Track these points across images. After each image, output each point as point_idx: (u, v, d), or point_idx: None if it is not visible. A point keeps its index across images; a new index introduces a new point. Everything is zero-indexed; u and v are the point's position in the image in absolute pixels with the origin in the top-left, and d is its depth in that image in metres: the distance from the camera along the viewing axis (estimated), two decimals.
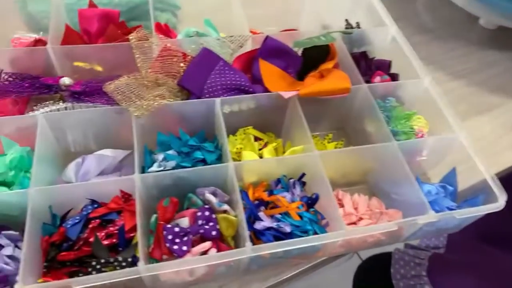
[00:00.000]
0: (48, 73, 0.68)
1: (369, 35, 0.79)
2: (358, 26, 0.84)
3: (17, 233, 0.51)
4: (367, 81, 0.72)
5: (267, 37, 0.71)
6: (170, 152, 0.61)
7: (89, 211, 0.52)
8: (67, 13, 0.78)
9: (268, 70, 0.68)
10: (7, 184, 0.55)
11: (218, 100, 0.62)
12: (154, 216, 0.55)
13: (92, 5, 0.75)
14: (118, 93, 0.60)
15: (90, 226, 0.50)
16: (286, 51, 0.72)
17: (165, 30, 0.80)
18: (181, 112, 0.63)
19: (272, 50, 0.71)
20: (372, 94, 0.68)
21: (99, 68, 0.71)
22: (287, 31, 0.87)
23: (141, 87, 0.62)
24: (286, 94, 0.63)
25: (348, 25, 0.87)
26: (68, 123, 0.60)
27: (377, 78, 0.74)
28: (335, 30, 0.76)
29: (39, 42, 0.69)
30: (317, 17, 0.89)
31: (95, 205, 0.53)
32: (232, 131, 0.66)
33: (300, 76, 0.72)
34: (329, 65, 0.72)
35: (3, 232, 0.50)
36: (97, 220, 0.51)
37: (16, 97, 0.60)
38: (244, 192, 0.55)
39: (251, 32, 0.77)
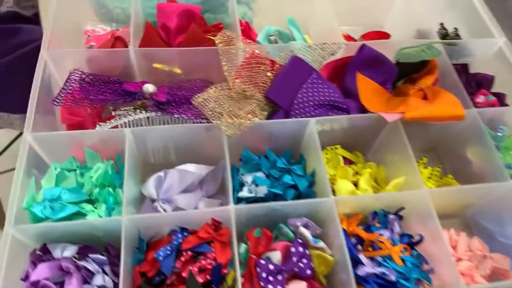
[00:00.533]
0: (126, 73, 0.64)
1: (472, 46, 0.70)
2: (456, 33, 0.75)
3: (104, 257, 0.48)
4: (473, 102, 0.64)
5: (363, 46, 0.63)
6: (259, 174, 0.56)
7: (180, 240, 0.48)
8: (143, 5, 0.73)
9: (365, 85, 0.62)
10: (92, 201, 0.52)
11: (313, 121, 0.57)
12: (244, 246, 0.51)
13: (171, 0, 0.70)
14: (207, 108, 0.55)
15: (183, 259, 0.47)
16: (382, 61, 0.64)
17: (246, 29, 0.73)
18: (270, 130, 0.58)
19: (367, 60, 0.64)
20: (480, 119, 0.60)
21: (178, 71, 0.66)
22: (377, 34, 0.79)
23: (230, 100, 0.57)
24: (390, 117, 0.57)
25: (443, 30, 0.78)
26: (153, 138, 0.56)
27: (481, 98, 0.66)
28: (437, 40, 0.67)
29: (118, 40, 0.64)
30: (406, 16, 0.81)
31: (185, 233, 0.49)
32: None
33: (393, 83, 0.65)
34: (429, 80, 0.65)
35: (90, 255, 0.48)
36: (189, 253, 0.47)
37: (99, 105, 0.56)
38: (345, 232, 0.51)
39: (343, 35, 0.70)
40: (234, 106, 0.56)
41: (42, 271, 0.45)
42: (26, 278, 0.46)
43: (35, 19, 1.14)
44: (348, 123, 0.59)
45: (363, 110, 0.61)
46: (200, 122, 0.55)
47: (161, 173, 0.57)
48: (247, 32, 0.74)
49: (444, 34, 0.75)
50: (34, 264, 0.47)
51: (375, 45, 0.65)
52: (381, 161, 0.64)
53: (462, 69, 0.69)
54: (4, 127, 1.13)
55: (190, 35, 0.65)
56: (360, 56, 0.64)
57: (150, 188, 0.56)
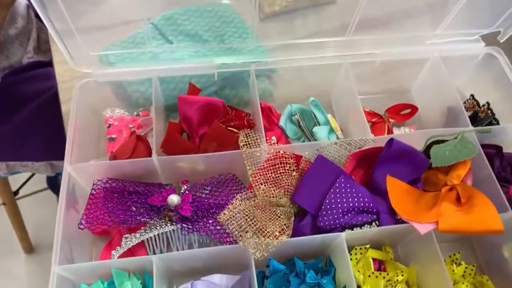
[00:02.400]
0: (148, 175, 0.63)
1: (508, 130, 0.67)
2: (488, 108, 0.72)
3: None
4: (506, 194, 0.61)
5: (392, 141, 0.61)
6: None
7: None
8: (162, 88, 0.72)
9: (395, 188, 0.59)
10: None
11: (343, 236, 0.55)
12: None
13: (192, 88, 0.68)
14: (235, 226, 0.53)
15: None
16: (411, 153, 0.62)
17: (267, 112, 0.72)
18: (298, 243, 0.56)
19: (396, 154, 0.62)
20: None
21: (200, 167, 0.65)
22: (403, 106, 0.76)
23: (256, 211, 0.56)
24: (423, 229, 0.55)
25: (473, 101, 0.75)
26: (181, 259, 0.55)
27: None
28: (470, 129, 0.64)
29: (139, 142, 0.63)
30: (434, 81, 0.77)
31: None
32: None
33: None
34: (461, 171, 0.62)
35: None
36: None
37: (125, 226, 0.56)
38: None
39: (367, 112, 0.68)
40: (261, 220, 0.55)
41: None
42: None
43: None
44: (379, 231, 0.58)
45: (393, 211, 0.59)
46: (227, 242, 0.54)
47: (188, 285, 0.57)
48: (269, 114, 0.72)
49: (475, 111, 0.71)
50: None
51: (404, 137, 0.63)
52: (411, 256, 0.62)
53: (496, 153, 0.66)
54: (19, 171, 1.16)
55: (213, 130, 0.64)
56: (388, 152, 0.61)
57: None
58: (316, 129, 0.69)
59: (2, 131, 1.01)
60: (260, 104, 0.68)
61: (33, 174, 1.72)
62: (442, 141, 0.63)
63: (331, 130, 0.70)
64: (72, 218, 0.57)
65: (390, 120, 0.75)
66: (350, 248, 0.60)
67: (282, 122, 0.71)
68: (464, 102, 0.75)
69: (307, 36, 0.73)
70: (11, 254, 1.76)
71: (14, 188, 1.59)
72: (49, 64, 1.10)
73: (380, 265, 0.61)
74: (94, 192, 0.58)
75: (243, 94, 0.77)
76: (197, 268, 0.59)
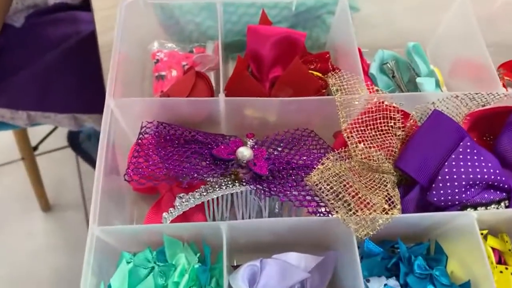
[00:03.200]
0: (208, 122, 0.50)
1: None
2: None
3: None
4: None
5: None
6: (392, 283, 0.42)
7: None
8: (223, 24, 0.57)
9: None
10: None
11: (473, 215, 0.41)
12: None
13: (264, 19, 0.54)
14: (328, 192, 0.40)
15: None
16: None
17: None
18: (407, 222, 0.43)
19: None
20: None
21: (272, 118, 0.51)
22: None
23: (354, 176, 0.42)
24: None
25: None
26: (254, 229, 0.42)
27: None
28: None
29: (198, 79, 0.50)
30: None
31: None
32: None
33: None
34: None
35: None
36: None
37: (186, 182, 0.43)
38: None
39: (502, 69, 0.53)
40: (361, 187, 0.42)
41: None
42: None
43: (84, 7, 1.05)
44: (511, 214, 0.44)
45: None
46: (316, 212, 0.41)
47: (256, 263, 0.44)
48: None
49: None
50: None
51: None
52: None
53: None
54: (41, 123, 1.09)
55: (291, 72, 0.50)
56: None
57: (239, 283, 0.43)
58: (420, 80, 0.54)
59: (24, 77, 0.92)
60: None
61: (53, 129, 1.66)
62: None
63: (438, 84, 0.55)
64: (110, 170, 0.44)
65: (505, 78, 0.60)
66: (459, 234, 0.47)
67: (373, 69, 0.57)
68: None
69: None
70: (28, 211, 1.73)
71: (33, 143, 1.52)
72: (76, 7, 1.02)
73: (500, 258, 0.48)
74: (143, 138, 0.45)
75: (319, 35, 0.62)
76: (265, 242, 0.46)
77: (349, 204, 0.40)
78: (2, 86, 0.93)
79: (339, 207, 0.40)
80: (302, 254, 0.45)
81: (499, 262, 0.47)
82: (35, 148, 1.51)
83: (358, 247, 0.45)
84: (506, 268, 0.45)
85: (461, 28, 0.56)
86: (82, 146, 1.66)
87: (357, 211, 0.39)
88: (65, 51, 0.93)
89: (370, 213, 0.39)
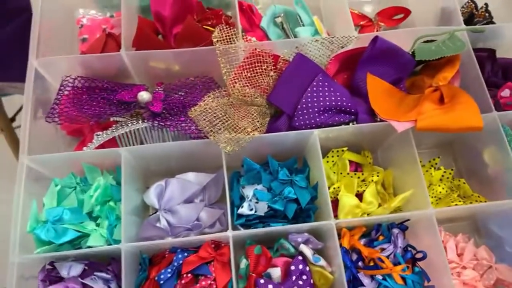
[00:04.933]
0: (121, 73, 0.61)
1: (504, 31, 0.62)
2: (486, 9, 0.66)
3: (109, 275, 0.50)
4: (494, 97, 0.58)
5: (376, 38, 0.57)
6: (260, 188, 0.55)
7: (180, 261, 0.49)
8: None
9: (376, 87, 0.57)
10: (95, 218, 0.53)
11: (316, 133, 0.53)
12: (245, 262, 0.52)
13: None
14: (205, 122, 0.52)
15: (183, 281, 0.48)
16: (397, 53, 0.59)
17: (248, 12, 0.67)
18: (272, 140, 0.55)
19: (381, 53, 0.58)
20: (500, 122, 0.55)
21: (176, 68, 0.62)
22: (395, 10, 0.71)
23: (229, 109, 0.54)
24: (400, 127, 0.53)
25: (471, 4, 0.69)
26: (150, 153, 0.54)
27: (506, 92, 0.60)
28: (462, 27, 0.60)
29: (109, 39, 0.60)
30: None
31: (185, 254, 0.50)
32: (323, 151, 0.58)
33: None
34: (448, 73, 0.59)
35: (96, 273, 0.50)
36: (190, 276, 0.48)
37: (95, 121, 0.55)
38: (344, 251, 0.50)
39: (351, 12, 0.63)
40: (234, 117, 0.53)
41: None
42: None
43: None
44: (355, 130, 0.56)
45: (372, 112, 0.57)
46: (198, 137, 0.53)
47: (162, 183, 0.57)
48: (249, 15, 0.67)
49: (470, 13, 0.66)
50: (44, 281, 0.49)
51: (390, 35, 0.59)
52: (390, 161, 0.62)
53: (488, 56, 0.62)
54: (10, 93, 1.16)
55: (186, 28, 0.60)
56: (372, 50, 0.58)
57: (151, 197, 0.56)
58: (299, 29, 0.65)
59: None
60: (241, 3, 0.64)
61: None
62: (431, 41, 0.59)
63: (316, 32, 0.66)
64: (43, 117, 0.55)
65: (380, 24, 0.70)
66: (327, 151, 0.59)
67: (264, 23, 0.67)
68: (462, 7, 0.69)
69: None
70: (13, 180, 1.80)
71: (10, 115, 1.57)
72: None
73: (356, 168, 0.60)
74: (63, 89, 0.56)
75: None
76: (173, 168, 0.59)
77: (220, 129, 0.52)
78: None
79: (212, 131, 0.52)
80: (199, 173, 0.58)
81: (355, 171, 0.60)
82: (12, 119, 1.58)
83: (242, 165, 0.58)
84: (355, 173, 0.58)
85: None
86: None
87: (225, 133, 0.51)
88: (14, 27, 0.98)
89: (236, 134, 0.51)
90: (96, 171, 0.55)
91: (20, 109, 1.67)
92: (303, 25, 0.67)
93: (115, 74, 0.61)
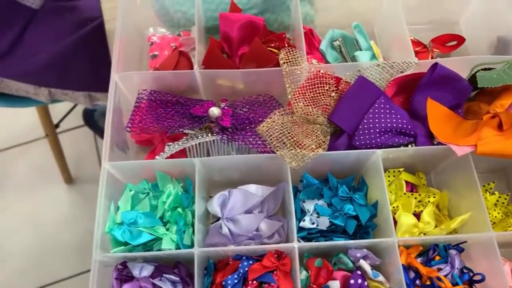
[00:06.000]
0: (191, 88, 0.65)
1: None
2: None
3: (177, 277, 0.53)
4: None
5: (436, 65, 0.60)
6: (321, 203, 0.57)
7: (246, 268, 0.52)
8: (204, 8, 0.71)
9: (435, 111, 0.59)
10: (164, 223, 0.56)
11: (379, 153, 0.56)
12: (305, 273, 0.54)
13: (234, 7, 0.68)
14: (272, 138, 0.55)
15: None
16: (455, 80, 0.61)
17: (309, 35, 0.71)
18: (333, 158, 0.58)
19: (439, 79, 0.60)
20: None
21: (240, 86, 0.66)
22: (449, 37, 0.73)
23: (294, 126, 0.57)
24: (460, 151, 0.55)
25: None
26: (219, 165, 0.58)
27: None
28: None
29: (182, 57, 0.65)
30: (486, 13, 0.73)
31: (250, 261, 0.53)
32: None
33: None
34: (506, 100, 0.60)
35: (165, 275, 0.53)
36: (255, 283, 0.51)
37: (171, 133, 0.59)
38: (404, 269, 0.52)
39: (411, 41, 0.66)
40: (298, 134, 0.57)
41: None
42: None
43: None
44: (414, 152, 0.58)
45: (431, 135, 0.59)
46: (264, 151, 0.57)
47: (225, 192, 0.60)
48: (310, 38, 0.71)
49: None
50: (118, 280, 0.53)
51: (447, 62, 0.61)
52: (444, 183, 0.63)
53: None
54: (60, 99, 1.21)
55: (253, 49, 0.64)
56: (432, 76, 0.60)
57: (215, 206, 0.60)
58: (358, 53, 0.68)
59: (45, 58, 1.04)
60: (303, 27, 0.67)
61: (73, 108, 1.80)
62: (489, 69, 0.61)
63: (373, 56, 0.69)
64: (118, 128, 0.60)
65: (435, 50, 0.73)
66: (384, 170, 0.61)
67: (323, 46, 0.71)
68: None
69: None
70: (53, 183, 1.88)
71: (55, 122, 1.67)
72: None
73: (412, 189, 0.62)
74: (139, 101, 0.61)
75: (284, 19, 0.76)
76: (234, 179, 0.62)
77: (286, 145, 0.55)
78: (26, 65, 1.03)
79: (279, 146, 0.55)
80: (260, 185, 0.61)
81: (411, 191, 0.62)
82: (57, 125, 1.68)
83: (301, 181, 0.61)
84: (412, 194, 0.60)
85: (392, 12, 0.69)
86: (98, 123, 1.79)
87: (291, 149, 0.55)
88: (81, 35, 1.03)
89: (301, 151, 0.54)
90: (167, 179, 0.59)
91: (65, 116, 1.75)
92: (361, 49, 0.70)
93: (185, 89, 0.65)
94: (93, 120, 1.81)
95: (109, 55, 0.87)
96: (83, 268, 1.67)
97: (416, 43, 0.72)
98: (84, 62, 1.08)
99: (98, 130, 1.89)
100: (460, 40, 0.73)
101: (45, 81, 1.09)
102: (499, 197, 0.61)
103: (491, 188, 0.62)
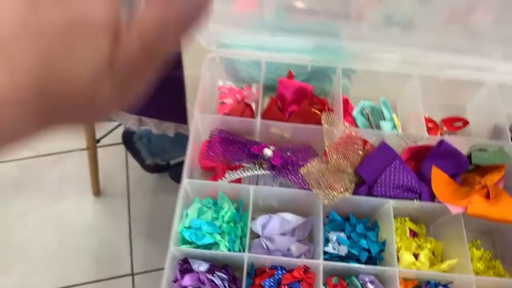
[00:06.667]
0: (250, 131, 0.84)
1: None
2: None
3: (225, 276, 0.69)
4: None
5: (442, 141, 0.77)
6: (342, 235, 0.74)
7: (280, 276, 0.68)
8: (265, 74, 0.92)
9: (438, 177, 0.76)
10: (221, 234, 0.73)
11: (391, 202, 0.73)
12: None
13: (289, 74, 0.88)
14: (310, 178, 0.73)
15: None
16: (456, 155, 0.78)
17: (344, 103, 0.90)
18: (356, 202, 0.75)
19: (444, 152, 0.78)
20: None
21: (287, 135, 0.85)
22: (456, 120, 0.91)
23: (328, 172, 0.75)
24: (454, 210, 0.71)
25: None
26: (265, 194, 0.75)
27: None
28: (509, 145, 0.79)
29: (247, 108, 0.84)
30: (489, 104, 0.92)
31: (283, 271, 0.69)
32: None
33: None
34: (495, 177, 0.77)
35: (216, 272, 0.69)
36: (286, 287, 0.67)
37: (231, 162, 0.77)
38: None
39: (425, 118, 0.84)
40: (331, 179, 0.74)
41: (188, 280, 0.66)
42: (175, 280, 0.68)
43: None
44: (419, 206, 0.74)
45: (433, 195, 0.76)
46: (303, 188, 0.74)
47: (267, 216, 0.77)
48: (345, 105, 0.90)
49: None
50: (180, 271, 0.69)
51: (452, 139, 0.79)
52: (440, 235, 0.79)
53: None
54: (113, 119, 1.38)
55: (301, 109, 0.83)
56: (438, 149, 0.78)
57: (257, 226, 0.76)
58: (382, 122, 0.86)
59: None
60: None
61: (117, 126, 1.98)
62: (484, 150, 0.79)
63: (394, 126, 0.87)
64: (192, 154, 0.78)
65: (444, 128, 0.91)
66: (393, 217, 0.78)
67: (355, 113, 0.89)
68: None
69: (387, 49, 0.90)
70: (82, 193, 2.03)
71: (97, 137, 1.83)
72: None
73: (414, 235, 0.78)
74: (211, 136, 0.80)
75: (325, 86, 0.96)
76: (274, 207, 0.79)
77: (321, 186, 0.72)
78: None
79: (315, 186, 0.72)
80: (294, 215, 0.78)
81: (413, 236, 0.78)
82: (98, 141, 1.86)
83: (327, 216, 0.77)
84: (413, 238, 0.75)
85: (412, 93, 0.88)
86: (135, 145, 1.96)
87: (325, 190, 0.72)
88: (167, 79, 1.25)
89: (332, 192, 0.72)
90: (225, 198, 0.76)
91: (107, 134, 1.93)
92: (384, 119, 0.89)
93: (244, 133, 0.84)
94: (131, 141, 1.98)
95: (181, 95, 1.07)
96: (97, 277, 1.79)
97: (429, 120, 0.90)
98: (173, 99, 1.26)
99: (133, 151, 2.03)
100: (465, 122, 0.91)
101: (134, 110, 1.26)
102: (484, 252, 0.77)
103: (478, 244, 0.78)
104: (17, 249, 1.88)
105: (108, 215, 2.03)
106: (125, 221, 1.91)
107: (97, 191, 2.10)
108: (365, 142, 0.79)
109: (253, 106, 0.90)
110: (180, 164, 2.25)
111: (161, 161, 2.05)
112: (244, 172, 0.77)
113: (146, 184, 2.09)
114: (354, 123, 0.90)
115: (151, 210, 2.10)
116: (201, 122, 0.81)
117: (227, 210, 0.74)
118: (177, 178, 2.07)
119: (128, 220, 1.95)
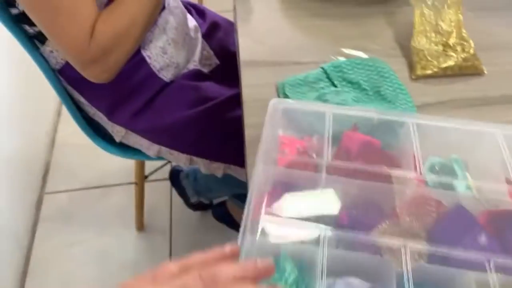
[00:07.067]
0: (312, 187, 0.81)
1: None
2: None
3: None
4: None
5: None
6: None
7: None
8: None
9: None
10: None
11: (472, 276, 0.66)
12: None
13: (354, 128, 0.86)
14: (382, 241, 0.68)
15: None
16: None
17: (413, 158, 0.85)
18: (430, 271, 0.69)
19: None
20: None
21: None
22: None
23: (400, 235, 0.70)
24: None
25: None
26: (332, 256, 0.71)
27: None
28: None
29: (310, 160, 0.82)
30: None
31: None
32: None
33: None
34: None
35: None
36: None
37: None
38: None
39: (506, 179, 0.78)
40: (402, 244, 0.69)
41: None
42: None
43: (211, 76, 1.37)
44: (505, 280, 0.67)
45: None
46: (373, 252, 0.69)
47: (331, 281, 0.72)
48: (413, 162, 0.85)
49: None
50: None
51: None
52: None
53: None
54: (164, 157, 1.35)
55: (369, 165, 0.80)
56: None
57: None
58: (456, 182, 0.80)
59: (167, 121, 1.22)
60: None
61: (165, 164, 2.00)
62: None
63: (468, 187, 0.81)
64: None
65: None
66: None
67: (424, 170, 0.84)
68: None
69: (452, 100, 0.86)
70: (125, 227, 2.06)
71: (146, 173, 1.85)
72: (208, 77, 1.32)
73: None
74: (273, 187, 0.77)
75: (391, 141, 0.92)
76: (339, 270, 0.74)
77: (393, 250, 0.67)
78: (149, 124, 1.21)
79: (387, 251, 0.67)
80: (362, 281, 0.73)
81: None
82: (146, 177, 1.89)
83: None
84: None
85: (490, 150, 0.82)
86: (182, 183, 1.96)
87: (397, 255, 0.67)
88: (205, 112, 1.21)
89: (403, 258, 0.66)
90: (290, 262, 0.72)
91: (156, 170, 1.95)
92: (457, 178, 0.83)
93: (306, 185, 0.81)
94: (178, 179, 1.99)
95: (227, 130, 1.05)
96: None
97: (510, 181, 0.83)
98: (212, 134, 1.24)
99: (179, 189, 2.05)
100: None
101: (158, 139, 1.27)
102: None
103: None
104: (59, 279, 1.91)
105: (149, 250, 2.03)
106: (166, 258, 1.90)
107: (140, 226, 2.11)
108: (438, 203, 0.74)
109: (314, 157, 0.88)
110: (224, 203, 2.23)
111: (205, 199, 2.04)
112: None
113: (188, 222, 2.09)
114: (423, 181, 0.85)
115: (192, 249, 2.09)
116: (263, 173, 0.79)
117: (290, 272, 0.70)
118: (220, 218, 2.06)
119: (169, 258, 1.94)
